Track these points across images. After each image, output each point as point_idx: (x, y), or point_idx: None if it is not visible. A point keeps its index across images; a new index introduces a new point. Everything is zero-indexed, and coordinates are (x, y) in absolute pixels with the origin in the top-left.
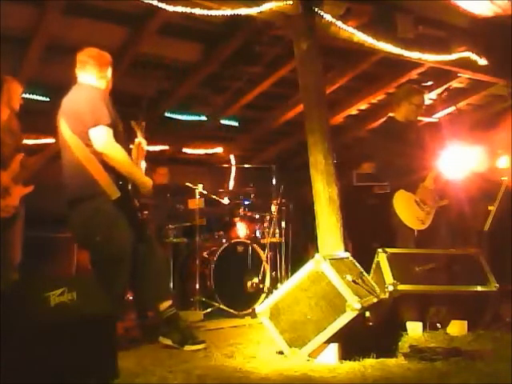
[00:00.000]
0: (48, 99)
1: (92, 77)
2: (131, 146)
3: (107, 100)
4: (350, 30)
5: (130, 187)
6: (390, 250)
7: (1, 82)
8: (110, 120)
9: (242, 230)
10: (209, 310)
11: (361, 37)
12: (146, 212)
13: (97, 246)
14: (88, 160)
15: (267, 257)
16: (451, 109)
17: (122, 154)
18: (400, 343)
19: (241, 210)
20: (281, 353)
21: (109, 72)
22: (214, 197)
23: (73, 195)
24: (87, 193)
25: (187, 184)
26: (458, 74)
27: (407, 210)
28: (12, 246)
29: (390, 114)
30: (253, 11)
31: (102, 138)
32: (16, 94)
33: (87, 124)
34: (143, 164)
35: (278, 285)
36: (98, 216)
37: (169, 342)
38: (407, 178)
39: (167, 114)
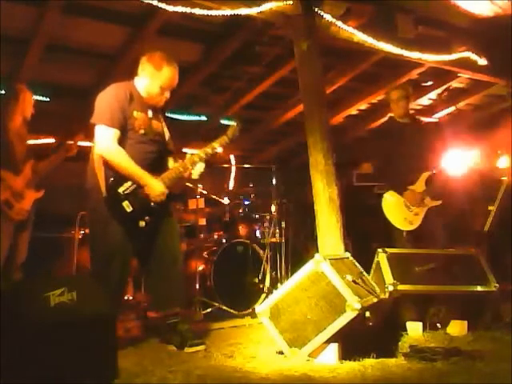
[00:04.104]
0: (48, 99)
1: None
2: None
3: (133, 101)
4: (350, 30)
5: (123, 190)
6: (389, 250)
7: (17, 90)
8: (117, 122)
9: (241, 229)
10: (209, 310)
11: (361, 37)
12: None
13: (90, 241)
14: (93, 153)
15: (267, 257)
16: (451, 109)
17: (117, 158)
18: (400, 343)
19: (241, 210)
20: (281, 353)
21: (152, 76)
22: (213, 197)
23: (84, 184)
24: (88, 184)
25: (187, 184)
26: (458, 74)
27: (394, 211)
28: (18, 247)
29: (391, 115)
30: (253, 11)
31: (99, 138)
32: (29, 103)
33: (93, 119)
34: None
35: (278, 285)
36: (93, 212)
37: (170, 346)
38: (407, 179)
39: (167, 114)
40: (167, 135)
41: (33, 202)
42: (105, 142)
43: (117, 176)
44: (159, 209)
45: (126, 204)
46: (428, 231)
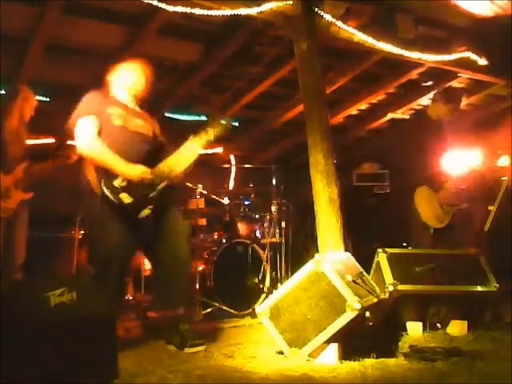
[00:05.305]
0: (48, 99)
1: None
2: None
3: (106, 99)
4: (350, 30)
5: (118, 183)
6: (389, 250)
7: (17, 90)
8: (93, 110)
9: (242, 229)
10: (209, 309)
11: (361, 37)
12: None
13: (88, 242)
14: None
15: (267, 257)
16: None
17: (94, 150)
18: (400, 343)
19: (241, 210)
20: (281, 353)
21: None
22: (213, 197)
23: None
24: (83, 184)
25: (187, 184)
26: (458, 74)
27: (427, 206)
28: (14, 247)
29: (423, 104)
30: (253, 11)
31: (77, 131)
32: (29, 105)
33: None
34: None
35: (278, 285)
36: (89, 213)
37: (170, 346)
38: (440, 175)
39: (167, 114)
40: (157, 131)
41: (19, 203)
42: (83, 136)
43: (108, 172)
44: (158, 198)
45: (124, 196)
46: (452, 231)
